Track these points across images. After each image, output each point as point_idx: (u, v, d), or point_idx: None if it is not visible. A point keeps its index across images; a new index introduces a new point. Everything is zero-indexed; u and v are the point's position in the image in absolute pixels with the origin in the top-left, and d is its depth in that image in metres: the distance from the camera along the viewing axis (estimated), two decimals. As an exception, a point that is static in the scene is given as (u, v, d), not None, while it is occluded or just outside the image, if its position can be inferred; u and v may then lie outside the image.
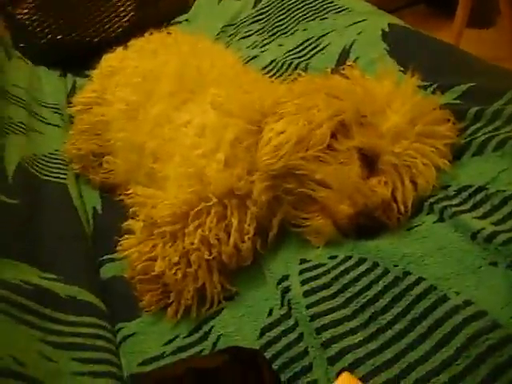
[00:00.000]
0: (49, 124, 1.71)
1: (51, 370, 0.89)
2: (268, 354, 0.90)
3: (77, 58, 2.12)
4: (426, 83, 1.21)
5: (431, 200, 1.01)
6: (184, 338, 1.01)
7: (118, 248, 1.12)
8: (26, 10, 2.10)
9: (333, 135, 1.03)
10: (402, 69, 1.28)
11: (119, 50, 1.58)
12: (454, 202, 0.99)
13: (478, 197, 0.97)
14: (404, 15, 1.92)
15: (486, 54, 1.41)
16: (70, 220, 1.32)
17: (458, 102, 1.17)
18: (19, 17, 2.11)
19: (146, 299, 1.07)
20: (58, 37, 2.12)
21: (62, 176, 1.47)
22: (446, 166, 1.03)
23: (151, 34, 1.57)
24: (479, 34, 2.88)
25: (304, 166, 1.01)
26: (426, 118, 1.04)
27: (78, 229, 1.30)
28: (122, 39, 1.66)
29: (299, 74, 1.20)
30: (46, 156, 1.52)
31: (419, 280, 0.88)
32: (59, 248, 1.19)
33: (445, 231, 0.95)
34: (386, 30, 1.52)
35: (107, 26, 2.14)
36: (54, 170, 1.48)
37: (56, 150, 1.56)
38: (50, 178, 1.44)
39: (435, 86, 1.22)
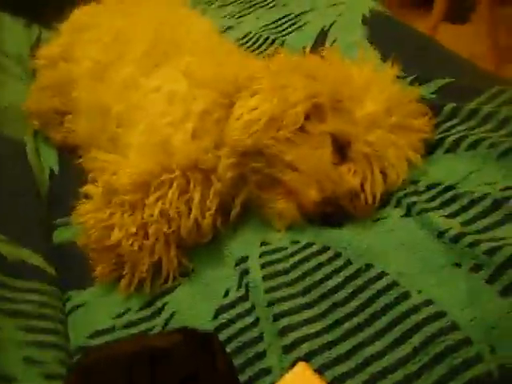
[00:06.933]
0: (9, 75, 1.63)
1: (-3, 339, 0.85)
2: (222, 336, 0.87)
3: (45, 7, 2.03)
4: (403, 74, 1.19)
5: (400, 194, 1.00)
6: (136, 312, 0.98)
7: (74, 213, 1.07)
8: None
9: (306, 117, 1.00)
10: (380, 56, 1.26)
11: (92, 4, 1.51)
12: (423, 198, 0.98)
13: (447, 195, 0.96)
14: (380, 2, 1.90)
15: (460, 50, 1.39)
16: (23, 178, 1.26)
17: (434, 96, 1.16)
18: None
19: (98, 269, 1.03)
20: (26, -16, 2.03)
21: (19, 131, 1.41)
22: (418, 160, 1.01)
23: (126, -8, 1.51)
24: (454, 29, 2.89)
25: (274, 146, 0.99)
26: (402, 109, 1.02)
27: (32, 188, 1.25)
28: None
29: (277, 51, 1.16)
30: (3, 108, 1.45)
31: (382, 274, 0.87)
32: (10, 206, 1.14)
33: (411, 227, 0.93)
34: (367, 15, 1.50)
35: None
36: (11, 124, 1.41)
37: (15, 103, 1.49)
38: (6, 133, 1.37)
39: (413, 77, 1.20)
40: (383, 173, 0.99)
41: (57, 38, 1.50)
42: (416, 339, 0.77)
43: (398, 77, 1.10)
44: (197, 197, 1.02)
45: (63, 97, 1.39)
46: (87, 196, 1.08)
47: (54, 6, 1.90)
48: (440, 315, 0.79)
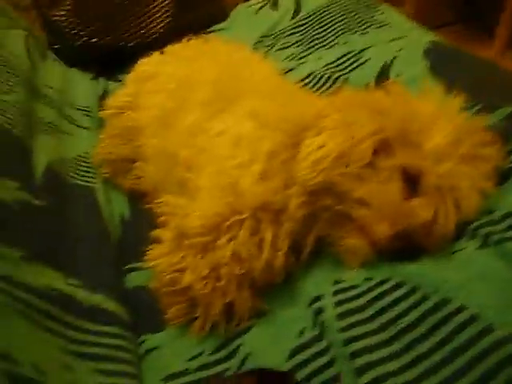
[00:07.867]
0: (79, 126, 1.69)
1: (71, 381, 0.85)
2: (298, 377, 0.86)
3: (111, 61, 2.12)
4: (469, 104, 1.16)
5: (475, 225, 0.96)
6: (209, 354, 0.97)
7: (146, 257, 1.08)
8: (62, 12, 2.10)
9: (374, 152, 0.99)
10: (444, 88, 1.24)
11: (155, 54, 1.55)
12: (499, 227, 0.94)
13: (525, 224, 0.92)
14: (441, 34, 1.87)
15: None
16: (96, 225, 1.29)
17: (503, 124, 1.12)
18: (55, 18, 2.12)
19: (171, 312, 1.03)
20: (93, 39, 2.12)
21: (90, 180, 1.44)
22: (491, 190, 0.98)
23: (188, 40, 1.55)
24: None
25: (343, 183, 0.97)
26: (470, 139, 0.99)
27: (105, 235, 1.27)
28: (158, 45, 1.63)
29: (340, 88, 1.16)
30: (74, 158, 1.50)
31: (461, 308, 0.83)
32: (85, 253, 1.16)
33: (488, 258, 0.90)
34: (428, 47, 1.48)
35: (143, 31, 2.14)
36: (82, 174, 1.46)
37: (85, 153, 1.54)
38: (78, 181, 1.41)
39: (479, 106, 1.18)
40: (456, 204, 0.96)
41: (123, 89, 1.55)
42: (503, 377, 0.73)
43: (463, 107, 1.09)
44: (268, 237, 1.01)
45: (131, 145, 1.42)
46: (158, 240, 1.09)
47: (119, 60, 2.00)
48: (527, 350, 0.74)
